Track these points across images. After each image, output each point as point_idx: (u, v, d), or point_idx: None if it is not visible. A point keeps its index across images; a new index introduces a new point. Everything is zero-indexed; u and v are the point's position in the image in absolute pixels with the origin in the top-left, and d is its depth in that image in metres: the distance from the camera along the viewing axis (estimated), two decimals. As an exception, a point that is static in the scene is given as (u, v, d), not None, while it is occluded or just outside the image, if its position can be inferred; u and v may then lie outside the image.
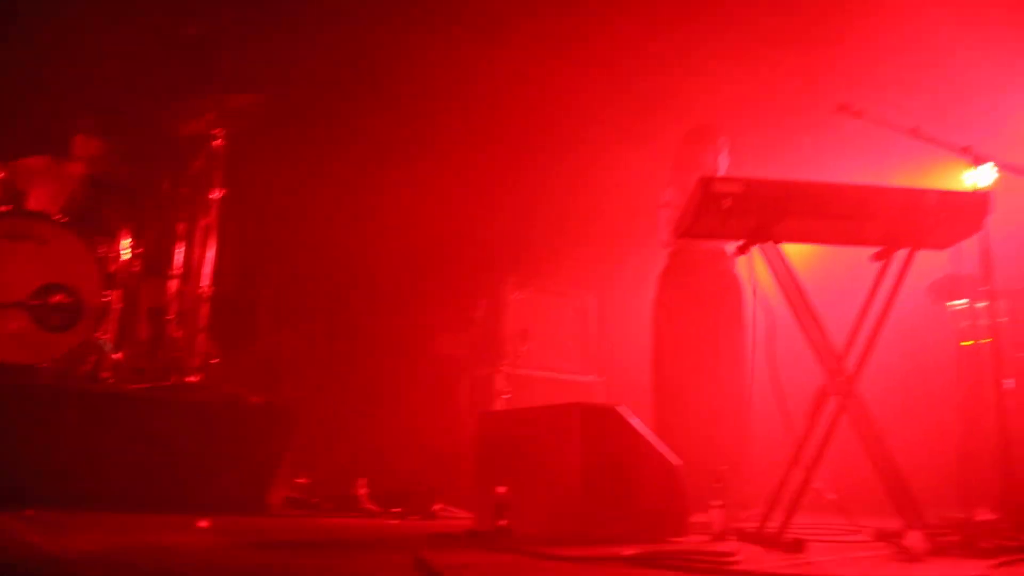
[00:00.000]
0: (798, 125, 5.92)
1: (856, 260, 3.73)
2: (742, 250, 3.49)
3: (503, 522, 3.15)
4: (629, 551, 2.57)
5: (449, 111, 6.71)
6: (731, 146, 5.12)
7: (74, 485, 3.83)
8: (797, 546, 2.87)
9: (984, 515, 3.72)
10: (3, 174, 5.04)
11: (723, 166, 5.03)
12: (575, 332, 6.37)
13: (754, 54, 6.27)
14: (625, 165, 6.41)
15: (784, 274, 3.37)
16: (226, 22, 6.11)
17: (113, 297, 4.80)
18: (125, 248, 5.02)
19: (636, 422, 3.33)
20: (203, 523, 3.29)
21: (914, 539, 2.75)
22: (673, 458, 3.36)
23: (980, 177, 3.90)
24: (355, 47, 6.47)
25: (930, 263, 3.78)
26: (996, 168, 3.90)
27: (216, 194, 5.14)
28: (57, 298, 4.55)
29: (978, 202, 3.33)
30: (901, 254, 3.44)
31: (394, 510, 4.47)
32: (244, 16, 6.13)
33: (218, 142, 5.17)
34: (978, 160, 3.76)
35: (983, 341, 5.51)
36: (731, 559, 2.48)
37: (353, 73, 6.52)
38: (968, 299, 5.41)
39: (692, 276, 4.91)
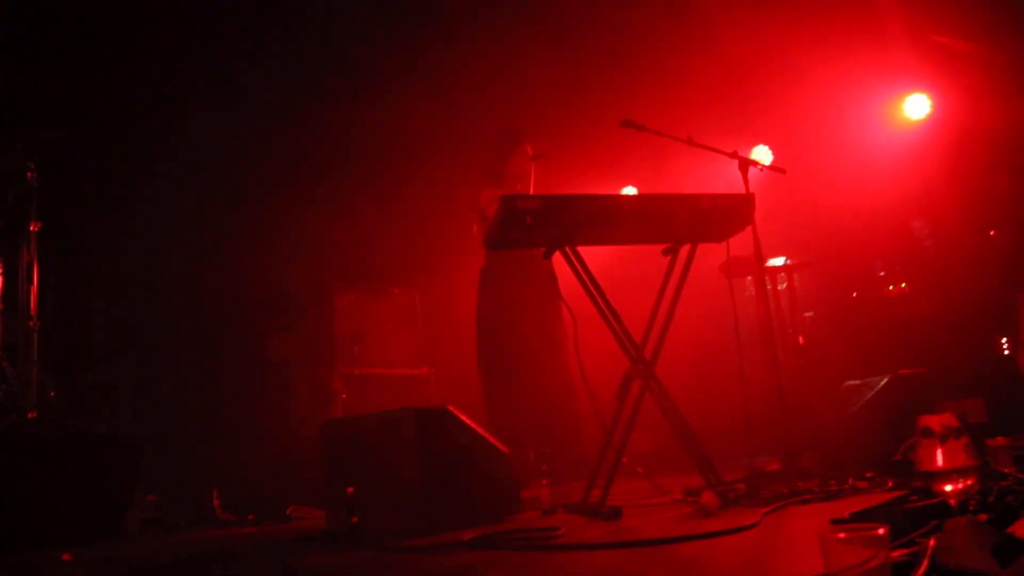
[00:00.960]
0: (596, 136, 6.47)
1: (650, 253, 4.25)
2: (546, 255, 3.94)
3: (354, 520, 3.47)
4: (469, 535, 2.94)
5: (267, 120, 6.86)
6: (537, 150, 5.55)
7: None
8: (615, 514, 3.33)
9: (772, 465, 4.32)
10: None
11: (531, 169, 5.45)
12: (404, 328, 6.69)
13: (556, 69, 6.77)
14: (441, 169, 6.77)
15: (584, 275, 3.82)
16: (32, 57, 6.01)
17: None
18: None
19: (465, 418, 3.71)
20: (66, 556, 3.43)
21: (708, 498, 3.27)
22: (502, 446, 3.76)
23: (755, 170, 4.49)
24: (160, 72, 6.51)
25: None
26: (760, 168, 4.51)
27: (34, 227, 5.14)
28: None
29: (745, 202, 3.89)
30: (687, 248, 3.98)
31: (249, 517, 4.67)
32: (50, 52, 6.06)
33: (30, 175, 5.16)
34: (744, 163, 4.33)
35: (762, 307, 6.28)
36: (558, 533, 2.89)
37: (164, 97, 6.55)
38: (751, 275, 6.13)
39: (512, 276, 5.28)
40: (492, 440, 3.73)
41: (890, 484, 3.46)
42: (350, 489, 3.50)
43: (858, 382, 5.09)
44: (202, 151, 6.56)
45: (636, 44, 6.96)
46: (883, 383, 4.75)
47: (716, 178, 5.40)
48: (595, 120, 6.74)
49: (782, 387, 4.39)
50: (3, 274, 5.26)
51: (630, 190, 6.86)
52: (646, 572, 2.20)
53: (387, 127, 7.01)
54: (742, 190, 4.16)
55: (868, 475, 3.60)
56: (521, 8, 7.02)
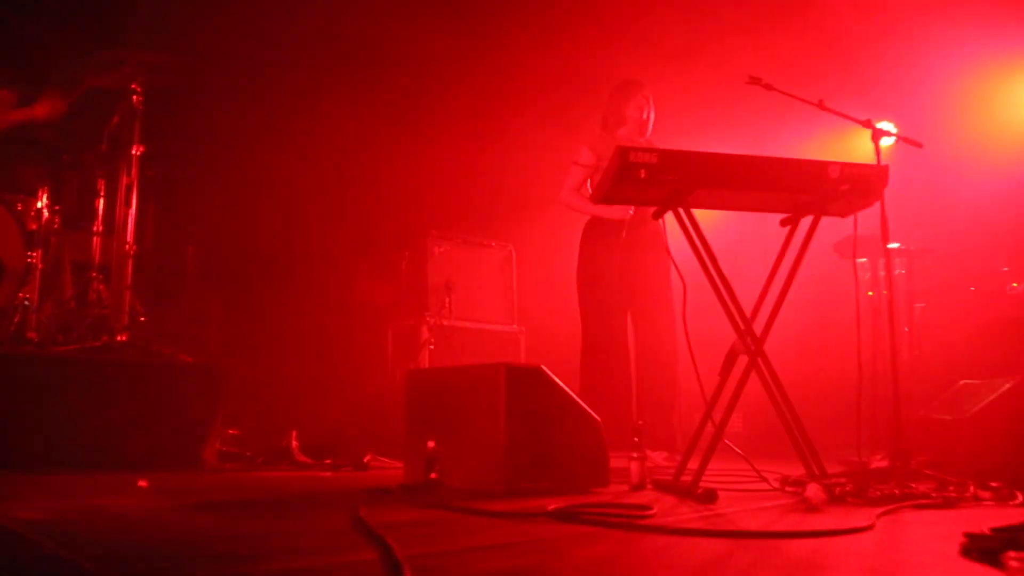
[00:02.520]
0: (716, 95, 6.15)
1: (765, 222, 3.97)
2: (657, 215, 3.69)
3: (433, 475, 3.33)
4: (553, 505, 2.76)
5: (372, 70, 6.73)
6: (656, 101, 5.26)
7: (8, 448, 3.86)
8: (709, 496, 3.11)
9: (878, 462, 4.03)
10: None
11: (650, 119, 5.16)
12: (496, 283, 6.52)
13: (673, 33, 6.45)
14: (548, 122, 6.54)
15: (696, 239, 3.56)
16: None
17: (35, 256, 4.78)
18: (44, 205, 4.97)
19: (558, 380, 3.51)
20: (142, 483, 3.38)
21: (814, 491, 3.02)
22: (594, 414, 3.56)
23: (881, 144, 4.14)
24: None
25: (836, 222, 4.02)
26: (894, 139, 4.16)
27: (137, 150, 5.10)
28: (-24, 259, 4.51)
29: (877, 174, 3.57)
30: (807, 220, 3.68)
31: (326, 461, 4.60)
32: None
33: (136, 98, 5.12)
34: (877, 133, 4.00)
35: (883, 293, 5.92)
36: (648, 512, 2.69)
37: (276, 31, 6.46)
38: (867, 257, 5.77)
39: (616, 235, 5.02)
40: (584, 406, 3.53)
41: (1020, 499, 3.15)
42: (431, 443, 3.35)
43: (976, 382, 4.75)
44: (307, 85, 6.48)
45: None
46: (1007, 387, 4.41)
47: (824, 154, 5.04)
48: (712, 76, 6.43)
49: (898, 379, 4.07)
50: (103, 196, 5.27)
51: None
52: (756, 569, 1.98)
53: (497, 76, 6.82)
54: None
55: (993, 484, 3.29)
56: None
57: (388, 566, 1.85)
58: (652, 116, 5.16)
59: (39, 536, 2.19)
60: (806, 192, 3.54)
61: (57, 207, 5.07)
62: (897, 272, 6.17)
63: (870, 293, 6.02)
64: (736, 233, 5.77)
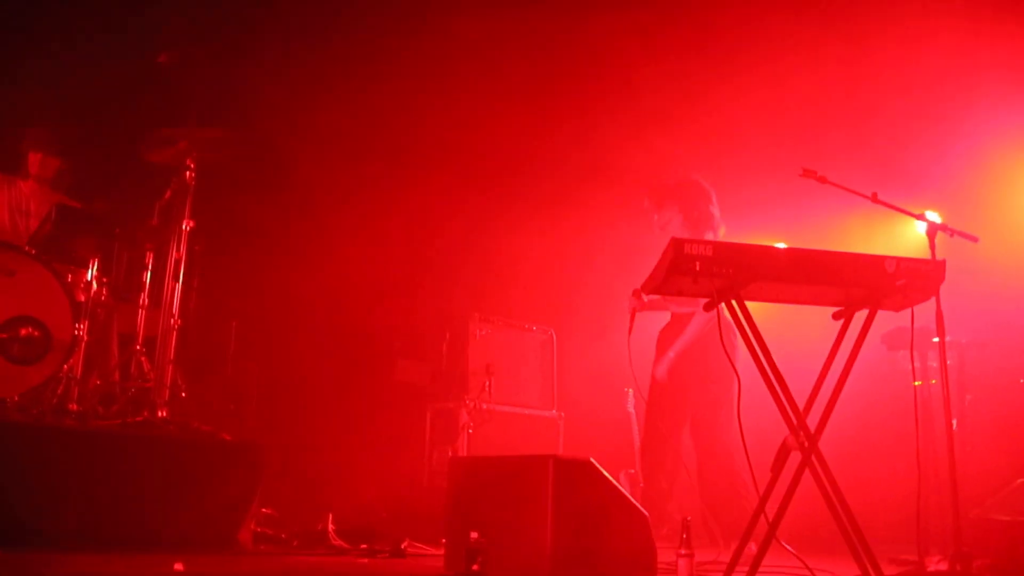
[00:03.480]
0: (765, 185, 6.14)
1: (816, 315, 3.90)
2: (709, 307, 3.63)
3: (476, 567, 3.24)
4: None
5: (417, 153, 6.82)
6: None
7: (42, 523, 3.83)
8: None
9: (936, 564, 3.88)
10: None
11: (717, 215, 5.17)
12: (537, 367, 6.47)
13: (718, 114, 6.49)
14: (593, 210, 6.57)
15: (750, 331, 3.50)
16: (199, 53, 6.13)
17: (82, 327, 4.81)
18: (93, 277, 5.02)
19: (606, 473, 3.43)
20: (179, 566, 3.32)
21: (872, 597, 2.89)
22: (642, 509, 3.47)
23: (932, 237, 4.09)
24: (324, 87, 6.55)
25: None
26: (950, 233, 4.11)
27: (187, 225, 5.16)
28: (26, 331, 4.55)
29: (934, 269, 3.50)
30: (861, 314, 3.61)
31: (362, 547, 4.51)
32: (217, 48, 6.16)
33: (189, 173, 5.19)
34: (932, 227, 3.94)
35: (932, 383, 5.79)
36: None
37: (322, 114, 6.59)
38: (918, 350, 5.65)
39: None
40: (632, 500, 3.44)
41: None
42: (474, 534, 3.26)
43: (1037, 481, 4.59)
44: (352, 165, 6.56)
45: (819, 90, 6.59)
46: (1070, 487, 4.26)
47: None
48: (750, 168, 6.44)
49: (955, 476, 3.94)
50: (151, 270, 5.32)
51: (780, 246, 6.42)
52: None
53: (543, 160, 6.87)
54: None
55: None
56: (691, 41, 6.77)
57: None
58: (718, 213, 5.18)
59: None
60: (862, 286, 3.47)
61: (106, 279, 5.12)
62: (950, 363, 6.04)
63: (918, 383, 5.88)
64: (786, 327, 5.69)
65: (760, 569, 3.26)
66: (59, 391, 4.65)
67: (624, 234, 5.29)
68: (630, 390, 5.67)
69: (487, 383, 5.94)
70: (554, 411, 6.29)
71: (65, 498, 3.93)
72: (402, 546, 4.38)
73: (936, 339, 5.59)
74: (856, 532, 3.43)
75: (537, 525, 3.25)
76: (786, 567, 3.76)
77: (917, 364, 5.83)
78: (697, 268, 3.28)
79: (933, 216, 5.54)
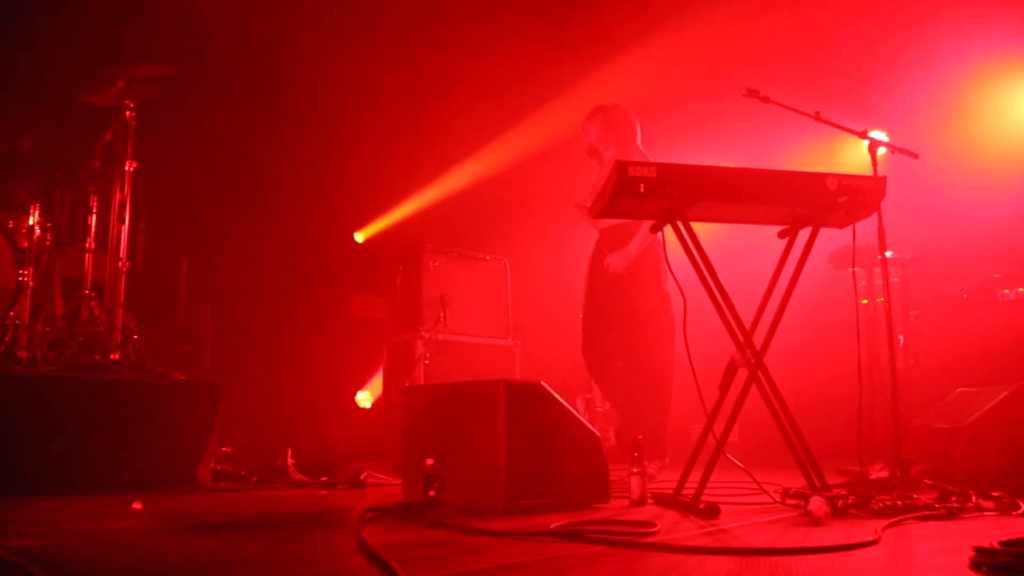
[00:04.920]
0: (710, 108, 6.15)
1: (762, 233, 3.95)
2: (655, 229, 3.67)
3: (432, 493, 3.30)
4: (555, 523, 2.73)
5: (368, 84, 6.72)
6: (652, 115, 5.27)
7: (2, 470, 3.81)
8: (712, 511, 3.08)
9: (878, 472, 4.01)
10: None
11: (639, 141, 5.17)
12: (491, 297, 6.49)
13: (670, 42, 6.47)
14: (540, 137, 6.54)
15: (695, 252, 3.55)
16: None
17: (27, 274, 4.73)
18: (36, 222, 4.93)
19: (557, 396, 3.49)
20: (137, 505, 3.34)
21: (817, 504, 3.00)
22: (593, 429, 3.54)
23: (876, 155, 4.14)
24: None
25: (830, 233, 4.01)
26: (889, 150, 4.16)
27: (130, 166, 5.07)
28: (-32, 279, 4.47)
29: (875, 186, 3.56)
30: (805, 232, 3.67)
31: (322, 479, 4.55)
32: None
33: (129, 113, 5.09)
34: (874, 144, 4.00)
35: (879, 300, 5.92)
36: (651, 529, 2.66)
37: (270, 40, 6.44)
38: (862, 267, 5.77)
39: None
40: (584, 421, 3.50)
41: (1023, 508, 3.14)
42: (430, 461, 3.32)
43: (973, 390, 4.74)
44: (300, 98, 6.45)
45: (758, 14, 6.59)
46: (1004, 395, 4.40)
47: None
48: (707, 89, 6.44)
49: (897, 388, 4.06)
50: (97, 213, 5.24)
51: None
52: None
53: (486, 91, 6.81)
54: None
55: (995, 494, 3.27)
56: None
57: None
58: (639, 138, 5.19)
59: (32, 565, 2.15)
60: (804, 204, 3.53)
61: (49, 224, 5.04)
62: (892, 280, 6.16)
63: (864, 301, 6.02)
64: (733, 246, 5.76)
65: (709, 484, 3.36)
66: (6, 338, 4.59)
67: (574, 160, 5.27)
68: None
69: (442, 314, 5.96)
70: (509, 339, 6.35)
71: (20, 444, 3.91)
72: (361, 477, 4.44)
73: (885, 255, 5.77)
74: (802, 444, 3.54)
75: (491, 449, 3.30)
76: (734, 482, 3.86)
77: (862, 282, 5.98)
78: (642, 190, 3.31)
79: (876, 134, 5.62)
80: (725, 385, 3.54)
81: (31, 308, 4.76)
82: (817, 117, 4.02)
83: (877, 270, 5.83)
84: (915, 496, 3.32)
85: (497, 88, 6.90)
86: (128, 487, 3.88)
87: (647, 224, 4.90)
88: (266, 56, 6.48)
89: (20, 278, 4.62)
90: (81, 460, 4.02)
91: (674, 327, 5.00)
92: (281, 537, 2.80)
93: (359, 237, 6.60)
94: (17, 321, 4.63)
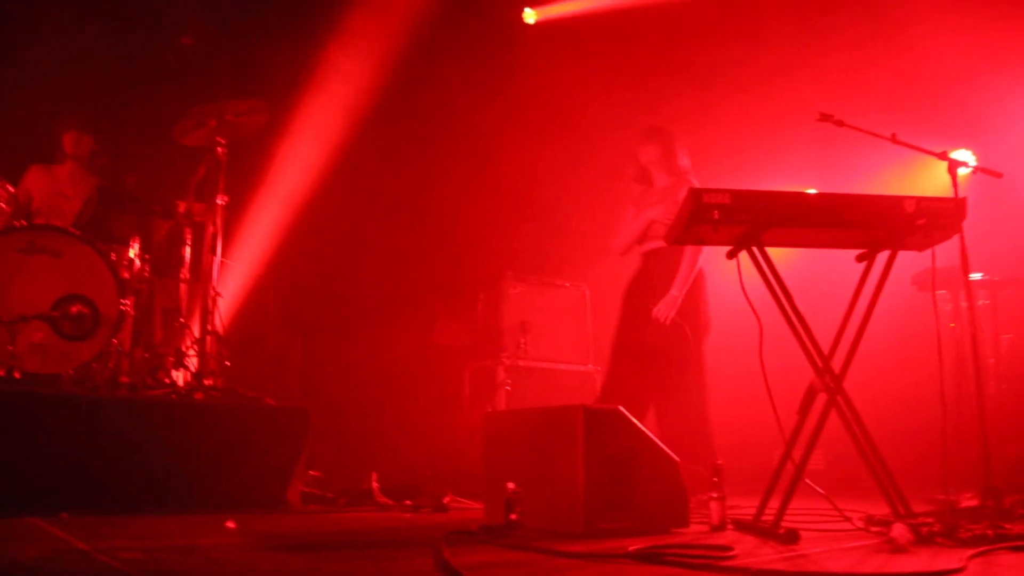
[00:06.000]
0: (784, 134, 6.13)
1: (840, 258, 3.93)
2: (731, 255, 3.69)
3: (513, 516, 3.36)
4: (633, 546, 2.77)
5: (448, 111, 6.88)
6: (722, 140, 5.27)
7: (101, 490, 4.02)
8: (792, 537, 3.07)
9: (968, 501, 3.92)
10: (12, 189, 5.22)
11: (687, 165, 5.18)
12: (571, 323, 6.54)
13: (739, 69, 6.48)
14: (619, 162, 6.59)
15: (771, 277, 3.56)
16: (222, 30, 6.24)
17: (128, 303, 4.99)
18: (135, 255, 5.20)
19: (636, 422, 3.52)
20: (230, 524, 3.49)
21: (900, 531, 2.96)
22: (672, 454, 3.56)
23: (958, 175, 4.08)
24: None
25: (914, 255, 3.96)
26: (972, 170, 4.11)
27: (222, 200, 5.31)
28: (76, 308, 4.73)
29: (955, 207, 3.52)
30: (884, 256, 3.65)
31: (406, 503, 4.66)
32: (239, 25, 6.27)
33: (221, 150, 5.34)
34: (954, 164, 3.95)
35: (965, 326, 5.78)
36: (729, 553, 2.68)
37: (350, 77, 6.67)
38: (947, 290, 5.65)
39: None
40: (662, 447, 3.53)
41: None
42: (511, 485, 3.39)
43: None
44: (382, 128, 6.64)
45: (830, 37, 6.55)
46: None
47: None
48: (778, 113, 6.42)
49: (984, 414, 3.98)
50: (190, 245, 5.50)
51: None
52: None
53: (571, 116, 6.90)
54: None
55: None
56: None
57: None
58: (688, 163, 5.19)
59: (141, 574, 2.29)
60: (881, 228, 3.51)
61: (147, 256, 5.29)
62: (981, 303, 6.01)
63: (952, 325, 5.89)
64: (809, 272, 5.70)
65: (790, 512, 3.35)
66: (110, 365, 4.83)
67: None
68: None
69: (522, 341, 6.04)
70: (589, 365, 6.38)
71: (122, 464, 4.11)
72: (444, 501, 4.53)
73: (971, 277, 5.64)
74: (884, 470, 3.51)
75: (570, 473, 3.36)
76: (816, 509, 3.83)
77: (948, 306, 5.84)
78: (716, 216, 3.34)
79: (958, 155, 5.53)
80: (803, 410, 3.53)
81: (132, 336, 5.00)
82: (894, 139, 4.00)
83: (963, 292, 5.71)
84: (1007, 526, 3.25)
85: (570, 118, 7.01)
86: (221, 507, 4.04)
87: (688, 254, 4.91)
88: (346, 83, 6.70)
89: (122, 307, 4.86)
90: (177, 481, 4.20)
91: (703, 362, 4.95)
92: (367, 556, 2.90)
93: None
94: (120, 348, 4.87)
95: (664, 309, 4.89)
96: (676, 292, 4.90)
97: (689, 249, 4.91)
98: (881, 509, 3.55)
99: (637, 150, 5.24)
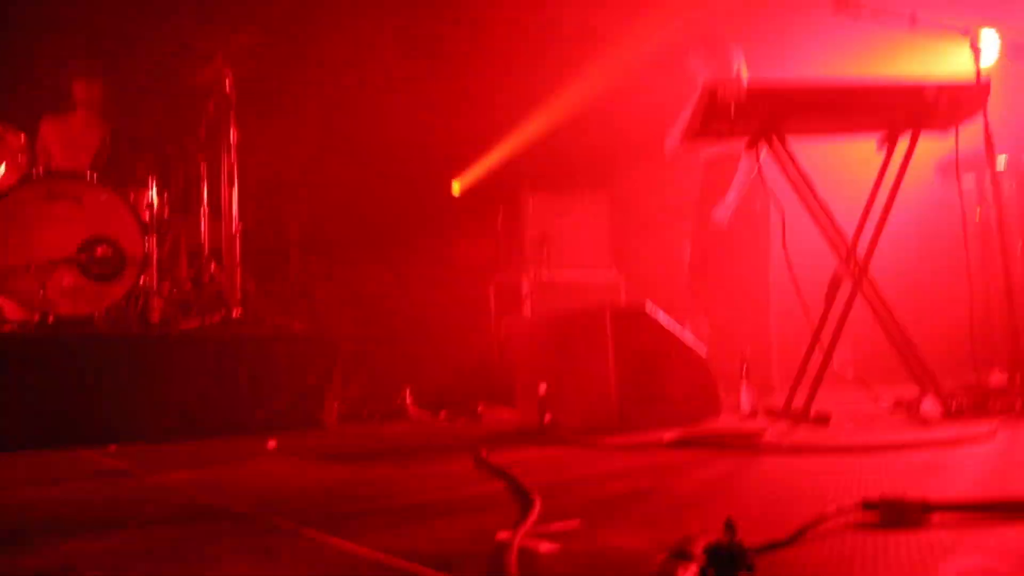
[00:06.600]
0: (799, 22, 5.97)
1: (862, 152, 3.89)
2: (749, 147, 3.67)
3: (547, 418, 3.43)
4: (669, 436, 2.82)
5: (457, 22, 6.77)
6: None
7: (147, 420, 4.12)
8: (822, 419, 3.12)
9: (996, 379, 3.94)
10: (23, 137, 5.23)
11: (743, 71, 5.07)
12: (592, 229, 6.49)
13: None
14: (631, 68, 6.49)
15: (792, 168, 3.54)
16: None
17: (151, 242, 5.03)
18: (154, 194, 5.22)
19: (663, 318, 3.55)
20: (271, 443, 3.57)
21: (929, 405, 3.00)
22: (700, 348, 3.59)
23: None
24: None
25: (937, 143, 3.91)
26: (998, 48, 4.00)
27: (233, 135, 5.31)
28: (101, 250, 4.78)
29: (978, 89, 3.46)
30: (904, 140, 3.60)
31: (441, 415, 4.74)
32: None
33: (229, 83, 5.31)
34: (978, 41, 3.86)
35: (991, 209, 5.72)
36: (760, 436, 2.73)
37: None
38: (974, 174, 5.57)
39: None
40: (690, 344, 3.57)
41: None
42: (543, 386, 3.44)
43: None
44: (397, 48, 6.56)
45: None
46: None
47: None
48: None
49: (1012, 295, 3.97)
50: (207, 181, 5.52)
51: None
52: (877, 475, 2.00)
53: (578, 26, 6.77)
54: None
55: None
56: None
57: (515, 493, 1.95)
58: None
59: (195, 491, 2.36)
60: (901, 110, 3.47)
61: (166, 194, 5.32)
62: (1007, 186, 5.93)
63: (978, 208, 5.82)
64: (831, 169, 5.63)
65: (821, 399, 3.38)
66: (140, 303, 4.90)
67: (670, 90, 5.21)
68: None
69: (544, 251, 6.03)
70: (613, 270, 6.35)
71: (162, 397, 4.21)
72: (478, 410, 4.60)
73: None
74: (912, 351, 3.52)
75: (601, 373, 3.40)
76: (845, 397, 3.86)
77: (974, 190, 5.77)
78: (733, 110, 3.31)
79: (989, 36, 5.36)
80: (830, 298, 3.54)
81: (159, 274, 5.06)
82: (913, 19, 3.90)
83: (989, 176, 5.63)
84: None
85: (581, 24, 6.87)
86: (261, 430, 4.13)
87: (743, 165, 4.86)
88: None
89: (146, 247, 4.91)
90: (215, 409, 4.30)
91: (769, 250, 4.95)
92: (406, 462, 2.97)
93: (455, 186, 6.67)
94: (147, 287, 4.93)
95: (722, 214, 4.89)
96: (731, 198, 4.88)
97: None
98: (911, 394, 3.58)
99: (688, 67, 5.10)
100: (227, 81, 5.27)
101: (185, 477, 2.71)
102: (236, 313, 4.97)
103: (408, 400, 4.86)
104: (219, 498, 2.20)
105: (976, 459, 2.22)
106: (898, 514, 1.42)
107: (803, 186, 3.53)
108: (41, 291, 4.55)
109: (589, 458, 2.67)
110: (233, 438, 4.02)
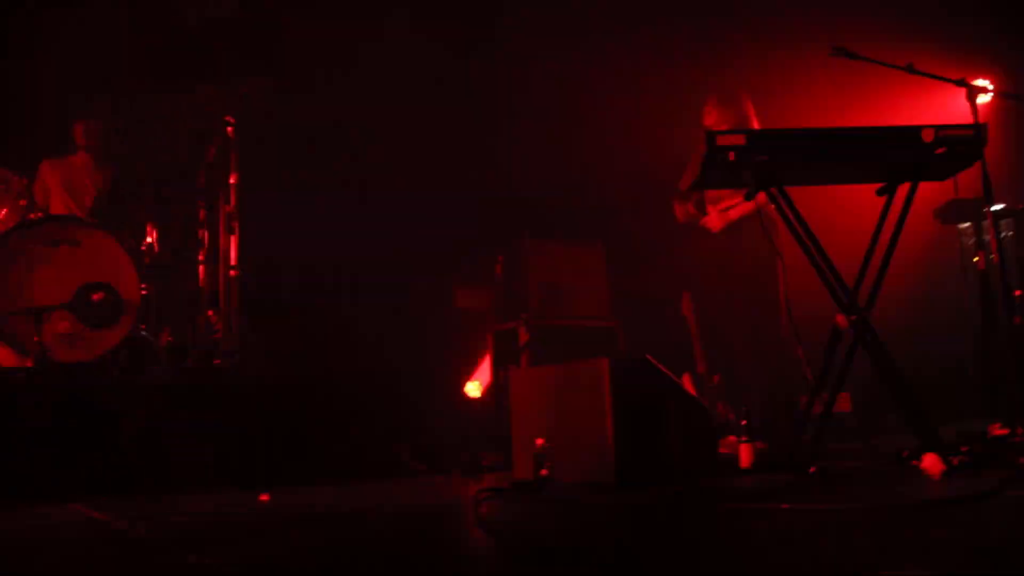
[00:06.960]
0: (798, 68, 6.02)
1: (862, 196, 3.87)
2: (749, 196, 3.65)
3: (543, 472, 3.37)
4: (665, 493, 2.77)
5: (455, 65, 6.82)
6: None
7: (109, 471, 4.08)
8: (822, 475, 3.06)
9: (997, 430, 3.90)
10: (25, 181, 5.23)
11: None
12: (590, 278, 6.46)
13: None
14: (632, 115, 6.52)
15: (792, 217, 3.51)
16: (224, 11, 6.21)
17: (149, 287, 5.01)
18: (153, 239, 5.21)
19: (663, 368, 3.51)
20: (263, 497, 3.52)
21: (931, 461, 2.95)
22: (701, 399, 3.55)
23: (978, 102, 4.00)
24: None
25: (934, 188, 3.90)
26: (993, 95, 4.02)
27: (233, 179, 5.31)
28: (97, 296, 4.75)
29: (975, 134, 3.45)
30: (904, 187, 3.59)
31: (436, 467, 4.67)
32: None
33: (230, 129, 5.31)
34: (974, 91, 3.87)
35: (990, 257, 5.70)
36: (760, 494, 2.67)
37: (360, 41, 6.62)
38: (971, 221, 5.56)
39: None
40: (690, 394, 3.52)
41: None
42: (540, 440, 3.39)
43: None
44: (396, 97, 6.59)
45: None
46: None
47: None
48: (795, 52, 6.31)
49: (1016, 346, 3.94)
50: (206, 226, 5.50)
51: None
52: (875, 534, 1.96)
53: (582, 77, 6.82)
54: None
55: None
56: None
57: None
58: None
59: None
60: (900, 159, 3.45)
61: (166, 240, 5.31)
62: (1005, 235, 5.92)
63: (976, 259, 5.80)
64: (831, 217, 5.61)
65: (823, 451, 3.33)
66: (140, 350, 4.87)
67: (673, 142, 5.21)
68: (686, 293, 5.61)
69: (542, 300, 6.00)
70: (611, 320, 6.32)
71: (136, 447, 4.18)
72: (474, 463, 4.54)
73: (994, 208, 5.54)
74: (913, 404, 3.47)
75: (598, 426, 3.35)
76: (847, 448, 3.81)
77: (972, 239, 5.75)
78: (732, 158, 3.29)
79: (976, 82, 5.37)
80: (830, 348, 3.50)
81: (156, 320, 5.03)
82: (910, 68, 3.91)
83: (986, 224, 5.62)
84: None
85: (583, 72, 6.92)
86: (248, 484, 4.04)
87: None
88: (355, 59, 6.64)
89: (143, 292, 4.88)
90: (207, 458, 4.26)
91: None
92: (404, 521, 2.91)
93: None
94: (145, 333, 4.90)
95: (715, 216, 4.74)
96: (730, 209, 4.70)
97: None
98: (911, 445, 3.53)
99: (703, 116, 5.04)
100: (230, 124, 5.29)
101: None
102: (233, 360, 4.94)
103: (405, 452, 4.79)
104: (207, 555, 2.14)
105: (982, 519, 2.17)
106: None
107: (804, 235, 3.51)
108: (36, 337, 4.52)
109: (581, 518, 2.62)
110: (227, 487, 3.95)
